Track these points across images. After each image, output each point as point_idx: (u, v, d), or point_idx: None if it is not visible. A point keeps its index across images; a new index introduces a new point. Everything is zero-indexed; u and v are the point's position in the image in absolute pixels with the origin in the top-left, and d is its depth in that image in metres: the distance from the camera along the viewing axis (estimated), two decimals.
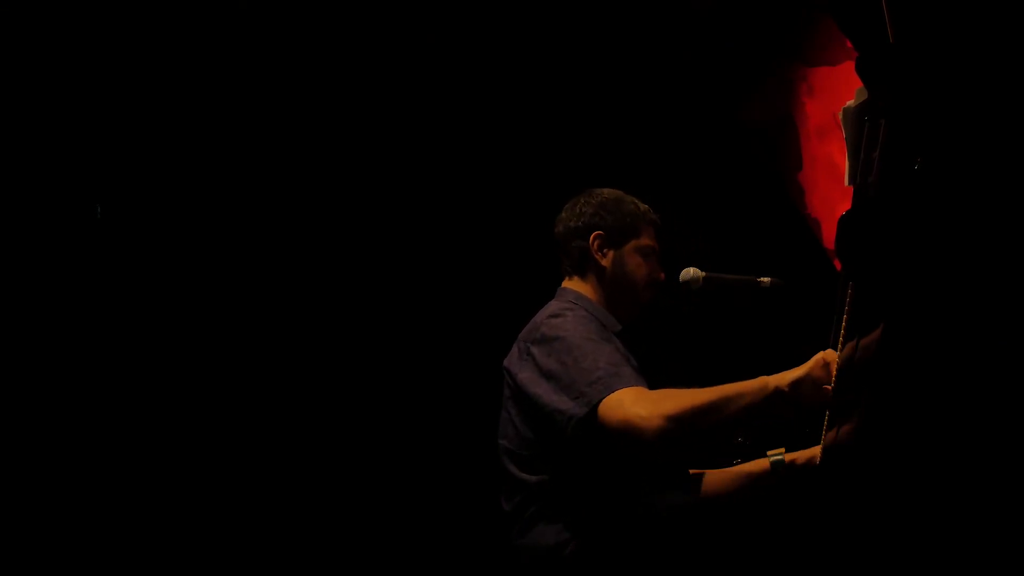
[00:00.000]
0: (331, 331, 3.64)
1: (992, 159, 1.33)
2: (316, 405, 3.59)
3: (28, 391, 3.24)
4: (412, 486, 3.60)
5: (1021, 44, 1.29)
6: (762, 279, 2.48)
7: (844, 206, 2.16)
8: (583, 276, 2.38)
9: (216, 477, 3.46)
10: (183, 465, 3.43)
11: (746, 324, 3.53)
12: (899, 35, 1.31)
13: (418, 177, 3.72)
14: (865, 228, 1.40)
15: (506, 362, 2.27)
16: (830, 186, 3.30)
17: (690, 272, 2.47)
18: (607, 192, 2.43)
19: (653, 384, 2.18)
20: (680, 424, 1.93)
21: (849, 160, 1.74)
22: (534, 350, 2.17)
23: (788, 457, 2.40)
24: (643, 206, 2.42)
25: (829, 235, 3.28)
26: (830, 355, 1.96)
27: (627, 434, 1.95)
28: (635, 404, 1.96)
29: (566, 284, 2.40)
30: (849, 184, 1.71)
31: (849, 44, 3.02)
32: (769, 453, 2.42)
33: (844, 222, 1.43)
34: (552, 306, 2.31)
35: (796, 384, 1.94)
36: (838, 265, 2.24)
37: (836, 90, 3.22)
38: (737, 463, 2.52)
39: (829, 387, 1.95)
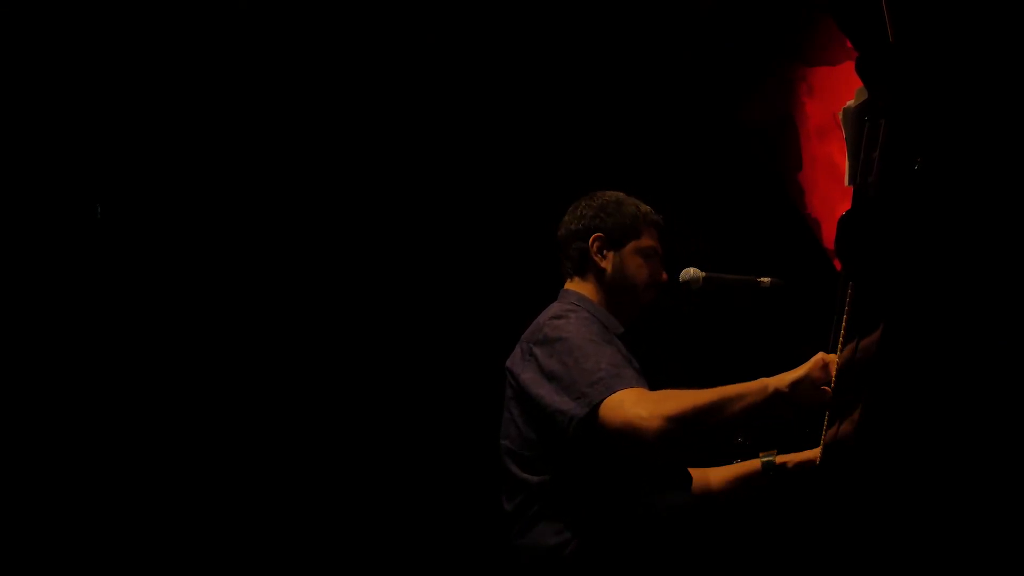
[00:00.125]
0: (335, 332, 3.64)
1: (992, 159, 1.33)
2: (320, 405, 3.59)
3: (28, 391, 3.24)
4: (414, 486, 3.60)
5: (1021, 44, 1.29)
6: (762, 279, 2.48)
7: (844, 206, 2.16)
8: (584, 278, 2.39)
9: (219, 477, 3.46)
10: (184, 465, 3.43)
11: (746, 324, 3.53)
12: (899, 35, 1.31)
13: (422, 179, 3.72)
14: (865, 228, 1.40)
15: (508, 363, 2.28)
16: (830, 186, 3.30)
17: (690, 272, 2.47)
18: (609, 194, 2.44)
19: (654, 385, 2.19)
20: (680, 425, 1.93)
21: (849, 160, 1.75)
22: (536, 351, 2.18)
23: (779, 459, 2.45)
24: (645, 207, 2.42)
25: (829, 235, 3.28)
26: (829, 356, 1.96)
27: (627, 434, 1.96)
28: (636, 405, 1.96)
29: (568, 286, 2.41)
30: (849, 184, 1.71)
31: (849, 44, 3.02)
32: (761, 454, 2.45)
33: (844, 222, 1.43)
34: (554, 307, 2.32)
35: (795, 385, 1.94)
36: (838, 265, 2.24)
37: (836, 90, 3.22)
38: (737, 463, 2.53)
39: (828, 388, 1.95)
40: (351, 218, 3.68)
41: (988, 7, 1.30)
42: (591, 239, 2.38)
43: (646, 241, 2.39)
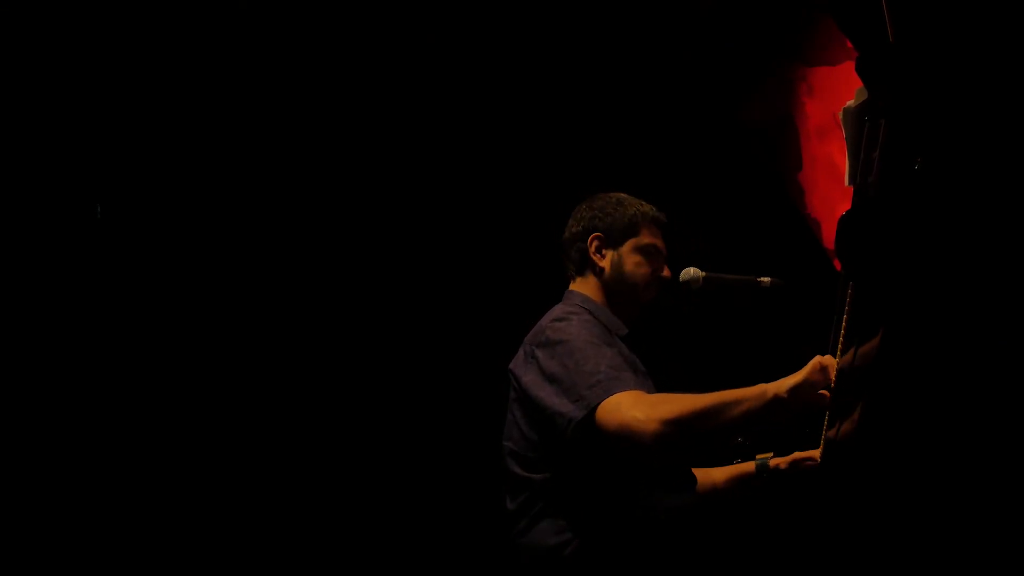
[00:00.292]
0: (341, 333, 3.64)
1: (992, 159, 1.33)
2: (325, 405, 3.59)
3: (28, 391, 3.24)
4: (417, 486, 3.59)
5: (1021, 44, 1.29)
6: (762, 279, 2.49)
7: (844, 206, 2.16)
8: (585, 278, 2.41)
9: (222, 477, 3.46)
10: (187, 465, 3.43)
11: (746, 324, 3.53)
12: (899, 35, 1.31)
13: (426, 181, 3.72)
14: (865, 228, 1.40)
15: (512, 365, 2.29)
16: (830, 186, 3.30)
17: (690, 272, 2.48)
18: (611, 195, 2.46)
19: (656, 385, 2.19)
20: (677, 428, 1.93)
21: (849, 160, 1.75)
22: (538, 353, 2.19)
23: (773, 462, 2.46)
24: (647, 207, 2.43)
25: (829, 235, 3.28)
26: (827, 359, 1.96)
27: (624, 437, 1.96)
28: (632, 408, 1.97)
29: (572, 287, 2.43)
30: (849, 184, 1.71)
31: (849, 44, 3.02)
32: (757, 456, 2.46)
33: (844, 222, 1.43)
34: (557, 310, 2.33)
35: (794, 390, 1.93)
36: (838, 265, 2.24)
37: (836, 90, 3.22)
38: (737, 463, 2.54)
39: (827, 392, 1.95)
40: (355, 220, 3.67)
41: (988, 7, 1.30)
42: (590, 239, 2.40)
43: (646, 239, 2.39)
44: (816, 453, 2.36)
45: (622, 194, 2.46)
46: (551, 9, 3.51)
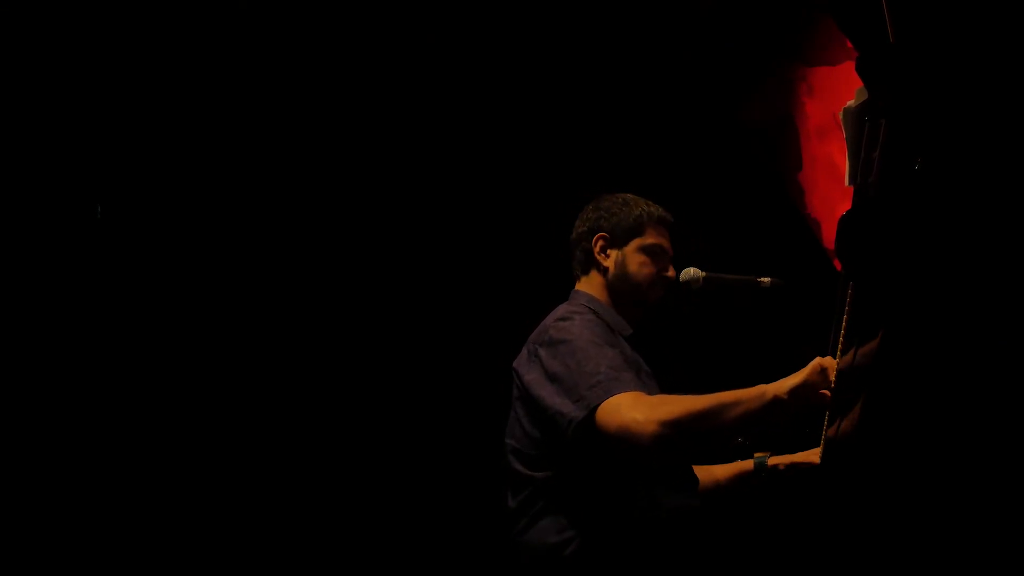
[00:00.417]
0: (345, 331, 3.64)
1: (992, 159, 1.33)
2: (330, 403, 3.59)
3: (28, 391, 3.24)
4: (421, 484, 3.59)
5: (1021, 44, 1.29)
6: (762, 279, 2.49)
7: (844, 206, 2.16)
8: (590, 278, 2.42)
9: (224, 477, 3.46)
10: (190, 465, 3.43)
11: (746, 324, 3.53)
12: (899, 35, 1.31)
13: (433, 182, 3.72)
14: (865, 228, 1.40)
15: (515, 363, 2.30)
16: (830, 186, 3.29)
17: (690, 272, 2.47)
18: (617, 196, 2.47)
19: (660, 385, 2.19)
20: (676, 430, 1.93)
21: (849, 160, 1.75)
22: (541, 352, 2.19)
23: (771, 461, 2.47)
24: (654, 207, 2.44)
25: (829, 235, 3.28)
26: (827, 361, 1.96)
27: (623, 438, 1.96)
28: (632, 409, 1.97)
29: (578, 287, 2.44)
30: (849, 184, 1.71)
31: (849, 44, 3.02)
32: (756, 455, 2.46)
33: (844, 222, 1.43)
34: (561, 309, 2.33)
35: (794, 392, 1.93)
36: (838, 265, 2.24)
37: (836, 90, 3.22)
38: (736, 462, 2.55)
39: (827, 392, 1.95)
40: (362, 220, 3.67)
41: (988, 7, 1.30)
42: (595, 238, 2.41)
43: (650, 239, 2.40)
44: (815, 454, 2.36)
45: (629, 195, 2.47)
46: (551, 9, 3.51)
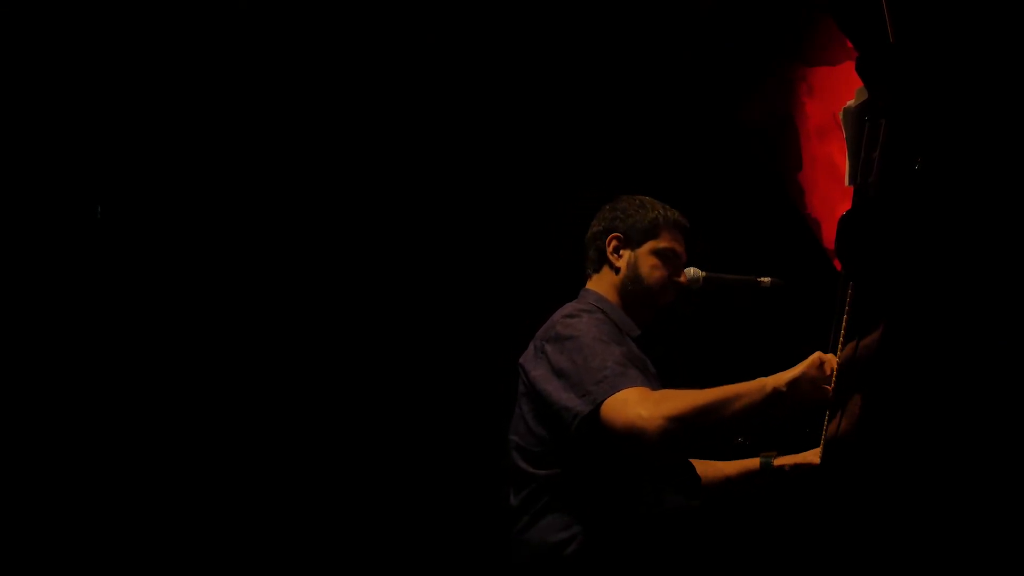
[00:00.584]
0: (351, 329, 3.64)
1: (992, 159, 1.33)
2: (335, 398, 3.59)
3: (28, 391, 3.24)
4: (425, 481, 3.59)
5: (1021, 44, 1.29)
6: (762, 279, 2.49)
7: (844, 206, 2.16)
8: (601, 277, 2.43)
9: (227, 476, 3.46)
10: (191, 463, 3.43)
11: (746, 324, 3.53)
12: (899, 35, 1.31)
13: (439, 181, 3.72)
14: (865, 228, 1.40)
15: (522, 359, 2.30)
16: (830, 186, 3.29)
17: (690, 272, 2.48)
18: (635, 198, 2.48)
19: (667, 387, 2.19)
20: (681, 424, 1.94)
21: (849, 160, 1.75)
22: (548, 348, 2.20)
23: (777, 461, 2.47)
24: (671, 211, 2.45)
25: (829, 235, 3.28)
26: (826, 355, 1.97)
27: (629, 434, 1.97)
28: (638, 405, 1.97)
29: (588, 286, 2.45)
30: (849, 184, 1.71)
31: (849, 44, 3.02)
32: (762, 454, 2.46)
33: (844, 222, 1.43)
34: (569, 306, 2.34)
35: (793, 384, 1.95)
36: (838, 265, 2.24)
37: (836, 90, 3.22)
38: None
39: (828, 387, 1.95)
40: (370, 217, 3.67)
41: (988, 7, 1.30)
42: (608, 238, 2.42)
43: (664, 243, 2.40)
44: (818, 455, 2.36)
45: (647, 197, 2.47)
46: (551, 9, 3.51)
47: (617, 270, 2.40)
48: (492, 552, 2.92)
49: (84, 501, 3.27)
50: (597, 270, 2.44)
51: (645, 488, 2.15)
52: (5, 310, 3.24)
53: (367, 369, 3.62)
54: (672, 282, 2.40)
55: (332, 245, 3.65)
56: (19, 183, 3.28)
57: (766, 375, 2.00)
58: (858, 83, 1.52)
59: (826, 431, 2.14)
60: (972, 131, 1.32)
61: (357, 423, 3.59)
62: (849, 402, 1.78)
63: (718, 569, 2.26)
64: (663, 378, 2.31)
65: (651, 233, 2.40)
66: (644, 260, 2.39)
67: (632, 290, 2.38)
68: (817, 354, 1.97)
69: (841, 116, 1.77)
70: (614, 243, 2.41)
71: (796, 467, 2.43)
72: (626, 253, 2.40)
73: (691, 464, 2.35)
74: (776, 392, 1.94)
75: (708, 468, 2.46)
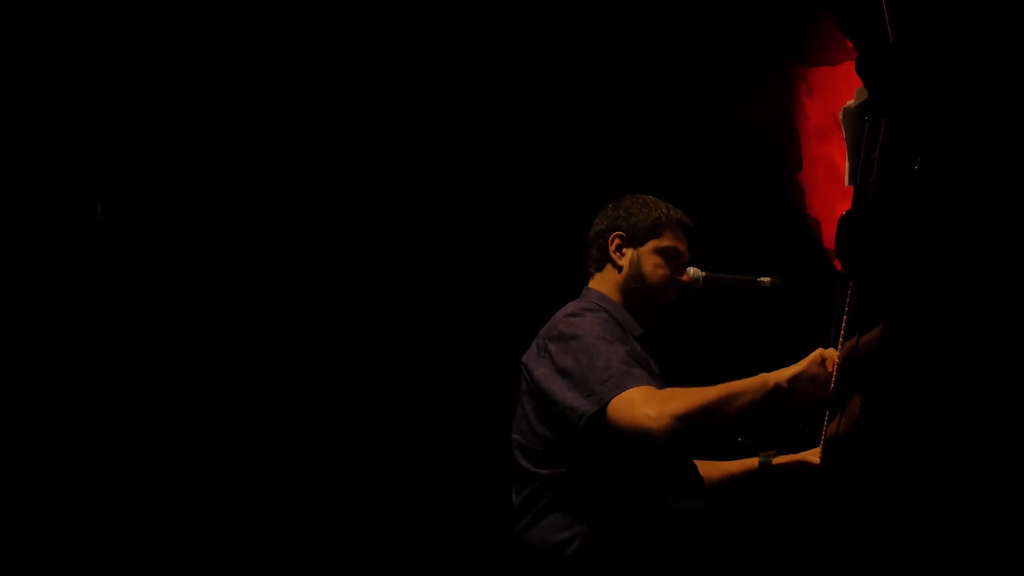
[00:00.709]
0: (354, 328, 3.64)
1: (992, 159, 1.33)
2: (337, 398, 3.59)
3: (28, 391, 3.24)
4: (427, 480, 3.60)
5: (1021, 44, 1.29)
6: (762, 279, 2.49)
7: (844, 206, 2.16)
8: (604, 276, 2.43)
9: (228, 476, 3.46)
10: (193, 462, 3.43)
11: (746, 324, 3.53)
12: (899, 35, 1.31)
13: (442, 181, 3.72)
14: (865, 228, 1.40)
15: (524, 358, 2.30)
16: (830, 186, 3.29)
17: (690, 272, 2.48)
18: (638, 196, 2.48)
19: (668, 386, 2.19)
20: (687, 423, 1.94)
21: (849, 160, 1.75)
22: (551, 347, 2.19)
23: (776, 460, 2.47)
24: (674, 210, 2.45)
25: (829, 235, 3.28)
26: (827, 352, 1.97)
27: (636, 434, 1.96)
28: (644, 404, 1.97)
29: (590, 284, 2.45)
30: (849, 184, 1.71)
31: (849, 44, 3.02)
32: (761, 454, 2.46)
33: (844, 222, 1.43)
34: (571, 305, 2.34)
35: (794, 380, 1.95)
36: (838, 265, 2.24)
37: (836, 90, 3.22)
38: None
39: (829, 386, 1.95)
40: (372, 216, 3.67)
41: (988, 7, 1.30)
42: (611, 237, 2.42)
43: (667, 241, 2.40)
44: (817, 454, 2.37)
45: (650, 196, 2.47)
46: (551, 9, 3.51)
47: (620, 269, 2.40)
48: (493, 552, 2.93)
49: (84, 501, 3.27)
50: (599, 269, 2.44)
51: (652, 488, 2.14)
52: (5, 310, 3.24)
53: (369, 369, 3.62)
54: (675, 281, 2.40)
55: (333, 245, 3.65)
56: (19, 183, 3.28)
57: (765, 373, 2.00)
58: (858, 83, 1.52)
59: (826, 431, 2.15)
60: (972, 131, 1.32)
61: (359, 422, 3.59)
62: (849, 402, 1.78)
63: (719, 569, 2.26)
64: (665, 378, 2.31)
65: (654, 232, 2.40)
66: (647, 259, 2.39)
67: (635, 289, 2.38)
68: (819, 351, 1.98)
69: (841, 116, 1.77)
70: (617, 242, 2.41)
71: (795, 466, 2.43)
72: (629, 252, 2.40)
73: (693, 464, 2.36)
74: (777, 388, 1.95)
75: (708, 468, 2.46)
